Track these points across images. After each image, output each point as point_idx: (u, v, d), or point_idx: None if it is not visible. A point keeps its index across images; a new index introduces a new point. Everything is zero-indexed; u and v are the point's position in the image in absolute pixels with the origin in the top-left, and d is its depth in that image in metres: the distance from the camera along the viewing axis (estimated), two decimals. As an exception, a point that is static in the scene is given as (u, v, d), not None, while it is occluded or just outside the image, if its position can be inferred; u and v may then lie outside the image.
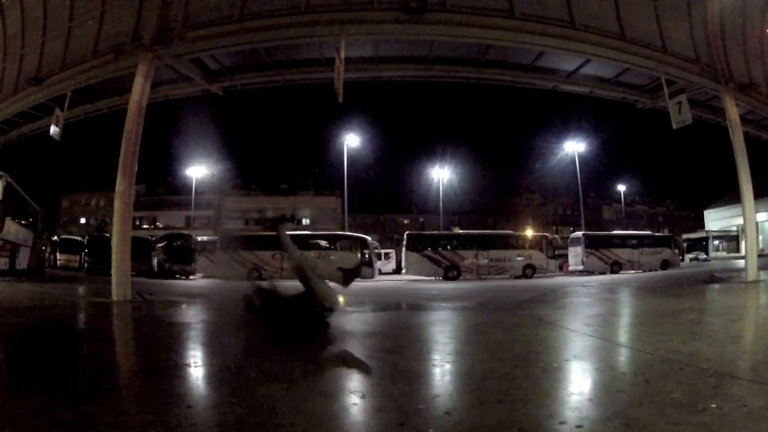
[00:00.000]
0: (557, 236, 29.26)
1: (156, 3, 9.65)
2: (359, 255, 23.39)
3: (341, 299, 6.32)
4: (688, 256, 38.19)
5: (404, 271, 25.32)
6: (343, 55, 9.55)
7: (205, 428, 2.03)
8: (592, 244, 25.95)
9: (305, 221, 50.32)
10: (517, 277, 23.22)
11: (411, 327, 5.56)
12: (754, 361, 3.23)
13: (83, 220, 54.17)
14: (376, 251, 26.47)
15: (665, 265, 25.70)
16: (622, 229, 39.12)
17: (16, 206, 14.87)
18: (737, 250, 38.37)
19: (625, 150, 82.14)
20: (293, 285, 4.49)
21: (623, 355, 3.60)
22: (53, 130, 11.70)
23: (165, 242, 24.78)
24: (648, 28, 11.01)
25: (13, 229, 14.17)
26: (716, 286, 11.23)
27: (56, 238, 29.85)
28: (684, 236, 44.16)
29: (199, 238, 26.62)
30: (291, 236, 5.24)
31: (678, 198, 65.06)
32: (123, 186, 8.88)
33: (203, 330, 5.24)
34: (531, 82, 12.92)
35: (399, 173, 69.59)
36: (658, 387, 2.48)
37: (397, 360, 3.42)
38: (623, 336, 4.70)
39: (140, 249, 19.62)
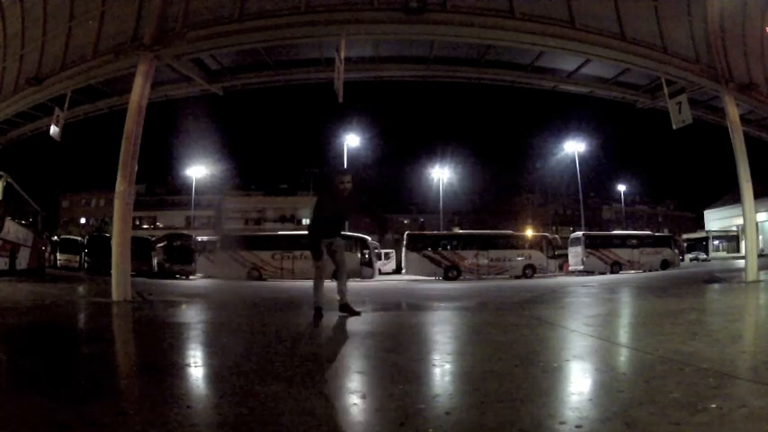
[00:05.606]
0: (557, 236, 29.29)
1: (156, 3, 9.65)
2: (359, 255, 23.40)
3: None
4: (688, 256, 38.25)
5: (404, 271, 25.31)
6: (343, 55, 9.56)
7: (205, 428, 2.03)
8: (592, 244, 25.97)
9: (305, 221, 50.37)
10: (517, 277, 23.22)
11: (411, 327, 5.55)
12: (755, 361, 3.23)
13: (83, 220, 54.25)
14: (376, 251, 26.48)
15: (665, 265, 25.72)
16: (622, 229, 39.13)
17: (16, 206, 14.88)
18: (737, 250, 38.39)
19: (625, 150, 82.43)
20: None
21: (623, 355, 3.60)
22: (53, 130, 11.71)
23: (165, 242, 24.84)
24: (648, 28, 11.01)
25: (13, 229, 14.18)
26: (716, 286, 11.23)
27: (56, 238, 29.91)
28: (684, 236, 44.26)
29: (199, 238, 26.63)
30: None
31: (678, 198, 65.39)
32: (123, 186, 8.88)
33: (203, 330, 5.23)
34: (531, 82, 12.93)
35: (399, 172, 69.79)
36: (658, 387, 2.48)
37: (397, 360, 3.42)
38: (623, 336, 4.70)
39: (140, 249, 19.69)
